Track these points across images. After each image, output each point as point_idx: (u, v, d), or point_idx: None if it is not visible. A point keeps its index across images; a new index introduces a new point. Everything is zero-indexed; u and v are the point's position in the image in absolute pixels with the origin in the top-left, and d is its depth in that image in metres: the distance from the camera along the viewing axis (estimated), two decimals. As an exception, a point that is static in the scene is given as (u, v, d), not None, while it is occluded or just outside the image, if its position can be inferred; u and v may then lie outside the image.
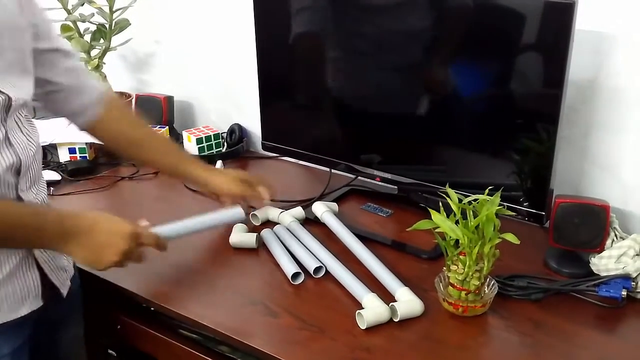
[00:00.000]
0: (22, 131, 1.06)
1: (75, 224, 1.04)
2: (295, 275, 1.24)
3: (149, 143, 1.34)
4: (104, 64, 1.95)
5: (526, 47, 1.24)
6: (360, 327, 1.10)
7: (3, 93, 0.98)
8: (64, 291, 1.16)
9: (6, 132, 1.01)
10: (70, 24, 1.88)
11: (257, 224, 1.45)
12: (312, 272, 1.26)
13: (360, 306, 1.15)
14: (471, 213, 1.11)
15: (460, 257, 1.12)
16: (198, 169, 1.38)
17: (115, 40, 1.92)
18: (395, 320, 1.12)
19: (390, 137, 1.47)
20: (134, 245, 1.09)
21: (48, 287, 1.11)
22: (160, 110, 1.96)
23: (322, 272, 1.26)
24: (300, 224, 1.42)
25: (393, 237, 1.42)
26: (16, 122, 1.04)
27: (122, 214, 1.53)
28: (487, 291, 1.15)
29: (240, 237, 1.38)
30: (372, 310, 1.11)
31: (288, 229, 1.40)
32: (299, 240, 1.36)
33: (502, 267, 1.20)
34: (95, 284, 1.28)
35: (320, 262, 1.27)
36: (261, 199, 1.40)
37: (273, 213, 1.45)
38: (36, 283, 1.08)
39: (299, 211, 1.47)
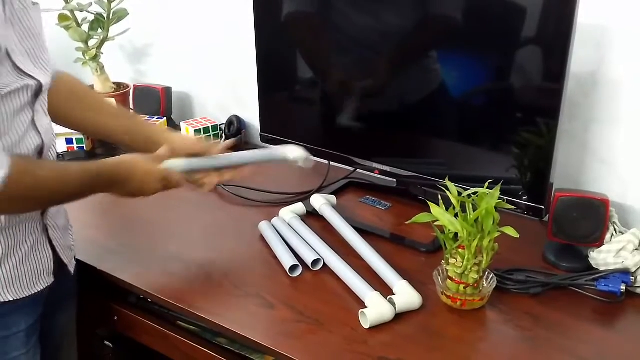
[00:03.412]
0: (45, 114, 1.09)
1: (117, 174, 1.11)
2: (293, 268, 1.24)
3: (100, 108, 1.28)
4: (102, 54, 1.94)
5: (527, 40, 1.23)
6: (364, 326, 1.09)
7: (35, 79, 1.01)
8: (72, 269, 1.21)
9: (33, 115, 1.03)
10: (68, 13, 1.86)
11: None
12: (310, 265, 1.25)
13: (359, 299, 1.15)
14: (470, 206, 1.10)
15: (459, 250, 1.12)
16: (156, 128, 1.34)
17: (114, 30, 1.91)
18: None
19: (389, 129, 1.46)
20: (165, 184, 1.17)
21: (57, 265, 1.14)
22: (158, 101, 1.95)
23: (320, 265, 1.26)
24: (301, 218, 1.41)
25: (392, 230, 1.41)
26: (41, 106, 1.07)
27: (120, 205, 1.54)
28: (485, 285, 1.15)
29: None
30: (375, 309, 1.10)
31: (288, 224, 1.39)
32: (297, 233, 1.35)
33: (501, 260, 1.20)
34: (92, 275, 1.28)
35: (319, 255, 1.27)
36: (215, 152, 1.28)
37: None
38: (50, 260, 1.12)
39: (299, 207, 1.46)
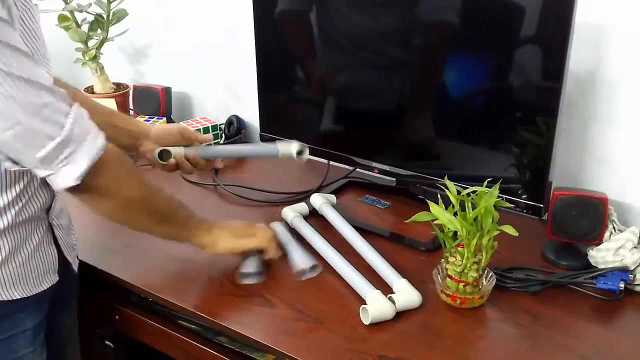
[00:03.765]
0: None
1: (200, 217, 1.21)
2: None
3: (83, 105, 1.28)
4: (102, 54, 1.94)
5: (526, 39, 1.24)
6: (364, 322, 1.10)
7: (50, 75, 1.01)
8: (75, 267, 1.21)
9: None
10: (68, 14, 1.87)
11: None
12: (308, 269, 1.24)
13: (359, 298, 1.15)
14: (470, 205, 1.11)
15: (459, 249, 1.12)
16: (139, 122, 1.37)
17: (113, 30, 1.91)
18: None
19: (389, 129, 1.47)
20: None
21: (62, 264, 1.15)
22: (157, 102, 1.95)
23: (318, 271, 1.24)
24: (304, 218, 1.41)
25: (391, 229, 1.42)
26: None
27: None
28: (485, 283, 1.15)
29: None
30: (376, 306, 1.11)
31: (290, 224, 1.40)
32: (300, 232, 1.35)
33: (500, 259, 1.20)
34: (93, 275, 1.28)
35: (320, 255, 1.27)
36: (203, 137, 1.39)
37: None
38: (54, 259, 1.13)
39: (302, 206, 1.46)
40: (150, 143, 1.33)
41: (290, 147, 1.39)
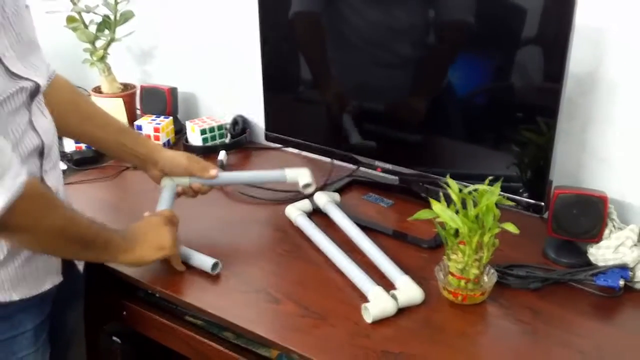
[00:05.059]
0: (43, 114, 1.09)
1: (129, 232, 1.18)
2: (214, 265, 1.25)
3: (96, 119, 1.32)
4: (109, 55, 1.96)
5: (527, 40, 1.25)
6: (367, 321, 1.11)
7: (31, 80, 1.01)
8: (81, 267, 1.22)
9: (30, 116, 1.03)
10: (76, 15, 1.89)
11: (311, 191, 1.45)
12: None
13: (362, 295, 1.17)
14: (471, 203, 1.12)
15: (460, 246, 1.14)
16: (151, 146, 1.39)
17: (120, 31, 1.93)
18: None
19: (392, 128, 1.48)
20: (173, 225, 1.25)
21: (66, 264, 1.15)
22: (164, 101, 1.97)
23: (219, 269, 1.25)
24: (307, 215, 1.43)
25: (394, 227, 1.43)
26: (37, 106, 1.07)
27: (127, 203, 1.57)
28: (486, 280, 1.17)
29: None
30: (378, 304, 1.12)
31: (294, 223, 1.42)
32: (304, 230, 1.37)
33: (502, 256, 1.22)
34: (100, 271, 1.30)
35: (324, 252, 1.28)
36: (209, 174, 1.38)
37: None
38: (57, 260, 1.13)
39: (306, 204, 1.48)
40: (157, 171, 1.36)
41: (297, 177, 1.44)
